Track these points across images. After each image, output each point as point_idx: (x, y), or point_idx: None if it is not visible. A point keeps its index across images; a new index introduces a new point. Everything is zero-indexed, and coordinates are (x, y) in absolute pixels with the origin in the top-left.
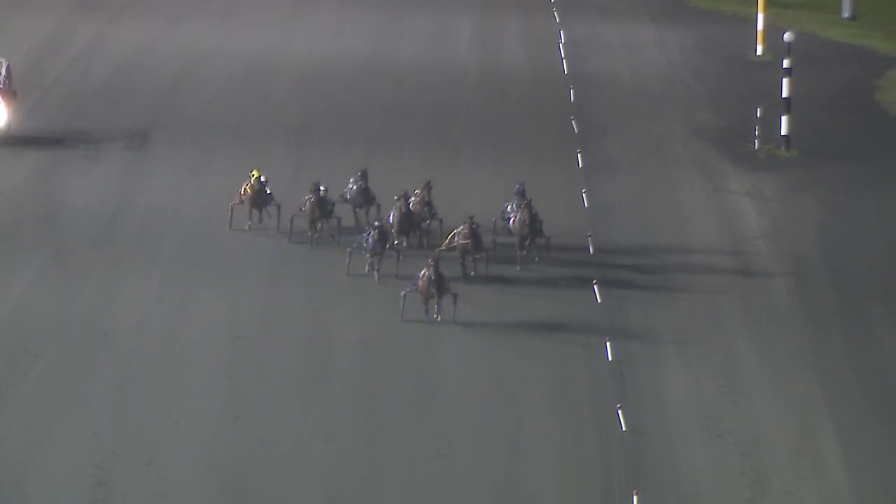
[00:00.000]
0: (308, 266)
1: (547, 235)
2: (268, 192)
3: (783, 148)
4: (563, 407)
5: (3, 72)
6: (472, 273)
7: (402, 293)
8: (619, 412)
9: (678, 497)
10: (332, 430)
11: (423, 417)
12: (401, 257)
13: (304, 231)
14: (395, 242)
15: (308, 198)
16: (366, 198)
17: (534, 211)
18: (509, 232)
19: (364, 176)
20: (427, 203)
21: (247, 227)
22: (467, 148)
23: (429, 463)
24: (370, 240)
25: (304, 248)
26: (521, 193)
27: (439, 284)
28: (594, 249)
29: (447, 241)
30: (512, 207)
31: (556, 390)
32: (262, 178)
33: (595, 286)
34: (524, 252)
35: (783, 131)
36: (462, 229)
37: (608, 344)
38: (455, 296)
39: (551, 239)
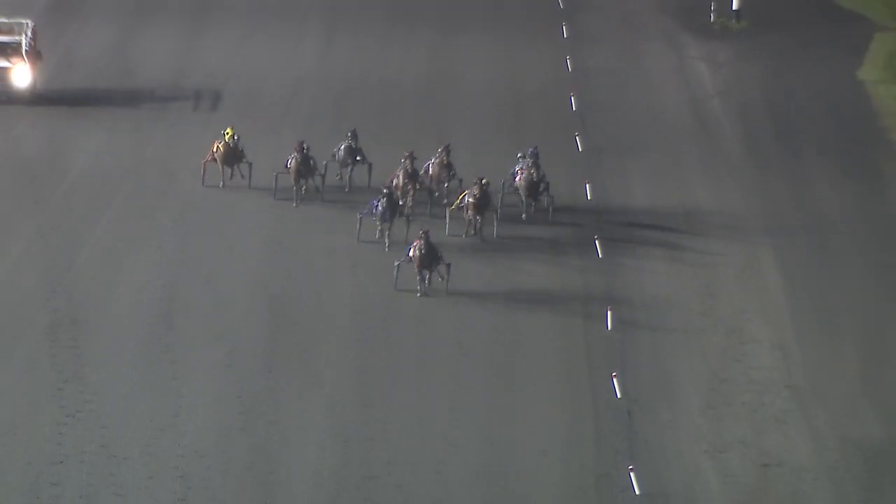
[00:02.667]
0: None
1: (552, 195)
2: (241, 149)
3: (734, 20)
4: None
5: (29, 33)
6: (479, 233)
7: (396, 263)
8: (596, 242)
9: (645, 306)
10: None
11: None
12: (410, 224)
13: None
14: (403, 203)
15: (293, 156)
16: (353, 157)
17: (541, 171)
18: (516, 189)
19: (354, 136)
20: (447, 165)
21: (220, 186)
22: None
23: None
24: (379, 206)
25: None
26: (535, 156)
27: (431, 256)
28: (576, 105)
29: (458, 201)
30: (523, 166)
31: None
32: (236, 137)
33: (577, 139)
34: (531, 208)
35: (734, 6)
36: (473, 190)
37: (587, 186)
38: (448, 266)
39: (555, 198)
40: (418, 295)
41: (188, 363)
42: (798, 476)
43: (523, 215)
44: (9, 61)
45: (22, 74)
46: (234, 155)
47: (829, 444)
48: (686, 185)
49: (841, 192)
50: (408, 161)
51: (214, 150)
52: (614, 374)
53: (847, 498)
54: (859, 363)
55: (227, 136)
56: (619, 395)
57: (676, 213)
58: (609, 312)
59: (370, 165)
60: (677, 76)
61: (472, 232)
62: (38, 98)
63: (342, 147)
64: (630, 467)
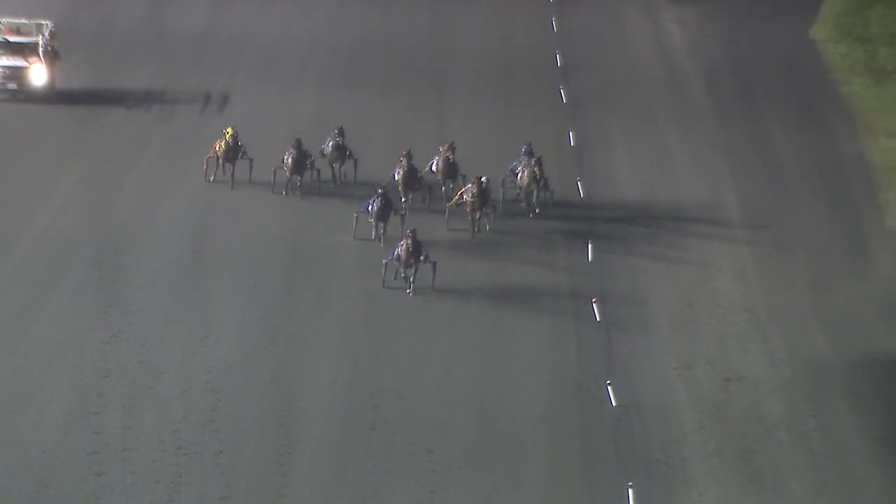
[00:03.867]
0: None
1: (551, 189)
2: (241, 147)
3: None
4: None
5: (46, 34)
6: (478, 229)
7: (384, 261)
8: (579, 183)
9: (622, 240)
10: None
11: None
12: (405, 222)
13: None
14: (403, 200)
15: (289, 152)
16: (341, 154)
17: (542, 167)
18: (517, 186)
19: (341, 133)
20: (452, 162)
21: (212, 179)
22: None
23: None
24: (375, 206)
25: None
26: (529, 153)
27: (417, 254)
28: (561, 62)
29: (457, 198)
30: (521, 164)
31: None
32: (237, 136)
33: (562, 91)
34: (533, 203)
35: None
36: (471, 187)
37: (571, 134)
38: (434, 264)
39: (555, 193)
40: (408, 292)
41: (216, 290)
42: (756, 389)
43: (531, 214)
44: (26, 61)
45: (39, 74)
46: (234, 153)
47: (783, 360)
48: (658, 132)
49: (794, 138)
50: (405, 160)
51: (216, 148)
52: (594, 300)
53: (798, 406)
54: (809, 289)
55: (227, 135)
56: (598, 319)
57: (650, 158)
58: (589, 245)
59: (356, 161)
60: (651, 36)
61: (474, 228)
62: (56, 96)
63: (330, 144)
64: (608, 382)
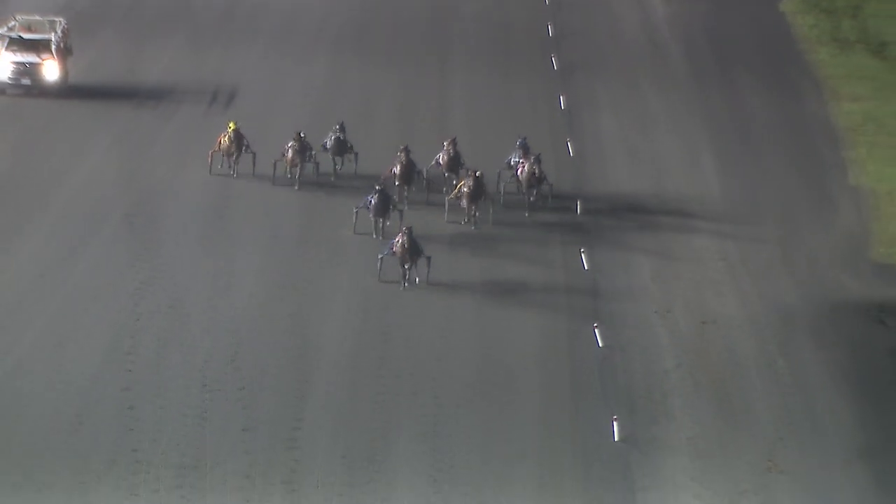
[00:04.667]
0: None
1: (550, 183)
2: (244, 141)
3: None
4: None
5: (59, 31)
6: (476, 221)
7: (379, 256)
8: (569, 144)
9: (607, 198)
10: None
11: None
12: (403, 217)
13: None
14: (401, 192)
15: (290, 144)
16: (342, 148)
17: (541, 164)
18: (518, 181)
19: (342, 128)
20: (455, 156)
21: (210, 170)
22: None
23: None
24: (373, 201)
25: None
26: (524, 146)
27: (413, 250)
28: (552, 32)
29: (456, 191)
30: (515, 160)
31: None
32: (239, 130)
33: (553, 59)
34: (532, 199)
35: None
36: (468, 181)
37: (561, 98)
38: (429, 259)
39: (553, 186)
40: (401, 288)
41: (237, 243)
42: (729, 330)
43: (526, 213)
44: (39, 57)
45: (51, 70)
46: (238, 147)
47: (753, 304)
48: (641, 96)
49: (765, 102)
50: (403, 154)
51: (220, 142)
52: (582, 249)
53: (767, 346)
54: (777, 238)
55: (230, 129)
56: (586, 268)
57: (633, 120)
58: (578, 203)
59: (356, 155)
60: (636, 9)
61: (471, 220)
62: (68, 90)
63: (332, 139)
64: (595, 325)
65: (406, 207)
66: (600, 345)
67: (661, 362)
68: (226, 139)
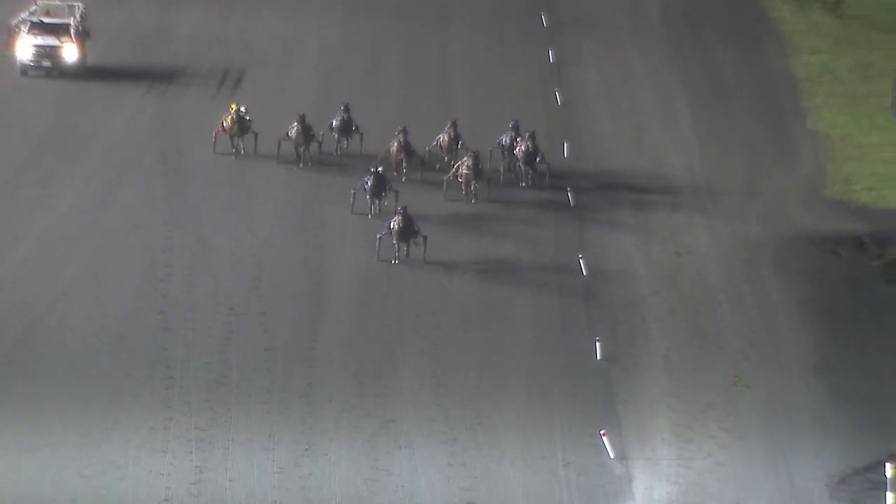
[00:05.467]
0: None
1: (547, 161)
2: (248, 120)
3: None
4: None
5: (78, 15)
6: (474, 200)
7: (378, 236)
8: (557, 92)
9: (591, 142)
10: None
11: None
12: (398, 197)
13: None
14: (397, 172)
15: (294, 125)
16: (347, 128)
17: (536, 142)
18: (517, 159)
19: (347, 109)
20: (454, 137)
21: (213, 149)
22: None
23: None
24: (369, 183)
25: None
26: (516, 129)
27: (409, 229)
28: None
29: (454, 171)
30: (505, 140)
31: None
32: (242, 110)
33: (543, 17)
34: (529, 176)
35: None
36: (466, 161)
37: (550, 53)
38: (425, 238)
39: (551, 165)
40: (394, 262)
41: (260, 184)
42: (701, 261)
43: (522, 183)
44: (59, 40)
45: (70, 52)
46: (240, 126)
47: (722, 237)
48: (622, 52)
49: (732, 56)
50: (400, 134)
51: (223, 122)
52: (569, 189)
53: (735, 275)
54: (745, 178)
55: (233, 111)
56: (572, 204)
57: (615, 73)
58: (565, 145)
59: (361, 135)
60: None
61: (470, 198)
62: (86, 72)
63: (337, 119)
64: (580, 256)
65: (399, 190)
66: (584, 273)
67: (639, 289)
68: (228, 120)
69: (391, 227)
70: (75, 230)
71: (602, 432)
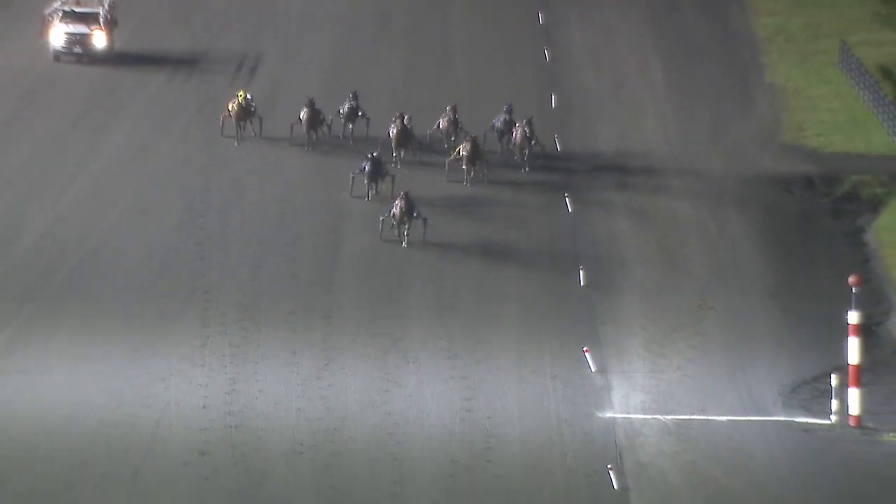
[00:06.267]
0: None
1: (542, 144)
2: (253, 107)
3: None
4: None
5: (106, 4)
6: (471, 178)
7: (381, 218)
8: (546, 50)
9: (577, 94)
10: None
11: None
12: (395, 182)
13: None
14: (395, 155)
15: (304, 110)
16: (354, 115)
17: (532, 127)
18: (513, 142)
19: (355, 97)
20: (454, 121)
21: (221, 132)
22: None
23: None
24: (367, 168)
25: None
26: (510, 112)
27: (410, 212)
28: None
29: (454, 154)
30: (499, 122)
31: None
32: (249, 97)
33: None
34: (525, 158)
35: None
36: (466, 145)
37: (540, 15)
38: (425, 220)
39: (545, 148)
40: (403, 244)
41: (278, 142)
42: (671, 198)
43: (524, 169)
44: (89, 28)
45: (100, 39)
46: (246, 113)
47: (691, 178)
48: (605, 16)
49: (699, 18)
50: (398, 120)
51: (230, 108)
52: (556, 135)
53: (700, 209)
54: (711, 126)
55: (239, 98)
56: (559, 149)
57: (598, 34)
58: (552, 96)
59: (368, 119)
60: None
61: (469, 179)
62: (115, 57)
63: (346, 106)
64: (566, 194)
65: (397, 174)
66: (570, 209)
67: (618, 224)
68: (234, 106)
69: (392, 210)
70: (124, 172)
71: (585, 349)
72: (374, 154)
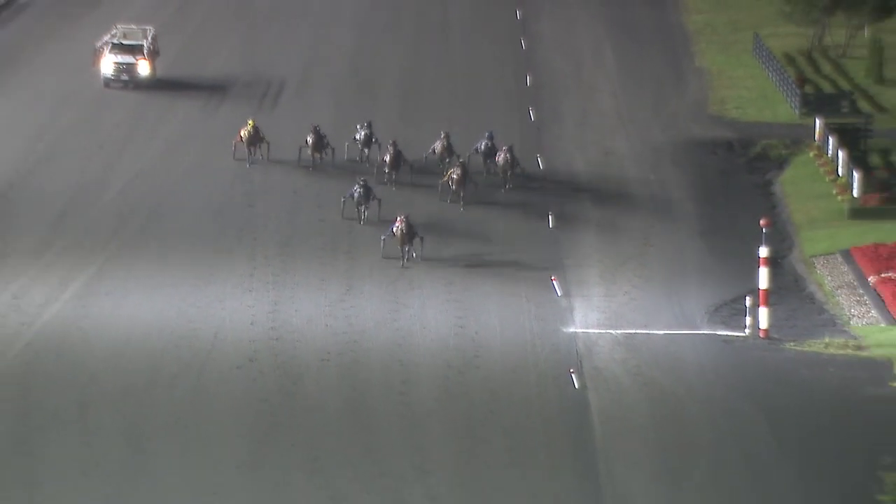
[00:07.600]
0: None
1: (523, 167)
2: (261, 134)
3: None
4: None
5: (149, 37)
6: (461, 199)
7: (382, 237)
8: (522, 40)
9: (547, 68)
10: None
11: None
12: (381, 205)
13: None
14: (390, 180)
15: (310, 135)
16: (370, 141)
17: (514, 153)
18: (496, 165)
19: (369, 126)
20: (448, 147)
21: (233, 156)
22: None
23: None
24: (357, 193)
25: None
26: (491, 137)
27: (410, 234)
28: None
29: (446, 177)
30: (481, 147)
31: None
32: (257, 126)
33: None
34: (508, 180)
35: None
36: (456, 169)
37: (517, 12)
38: (422, 239)
39: (526, 170)
40: (402, 265)
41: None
42: (621, 159)
43: (505, 188)
44: (134, 58)
45: (144, 68)
46: (255, 139)
47: (635, 142)
48: (569, 8)
49: (644, 12)
50: (392, 147)
51: (240, 135)
52: (531, 108)
53: (644, 167)
54: (652, 101)
55: (249, 126)
56: (532, 119)
57: (563, 24)
58: (528, 77)
59: (379, 145)
60: None
61: (459, 200)
62: (157, 83)
63: (362, 134)
64: (538, 156)
65: (383, 199)
66: (541, 168)
67: (578, 182)
68: (245, 133)
69: (395, 231)
70: (189, 135)
71: (553, 277)
72: (364, 180)
